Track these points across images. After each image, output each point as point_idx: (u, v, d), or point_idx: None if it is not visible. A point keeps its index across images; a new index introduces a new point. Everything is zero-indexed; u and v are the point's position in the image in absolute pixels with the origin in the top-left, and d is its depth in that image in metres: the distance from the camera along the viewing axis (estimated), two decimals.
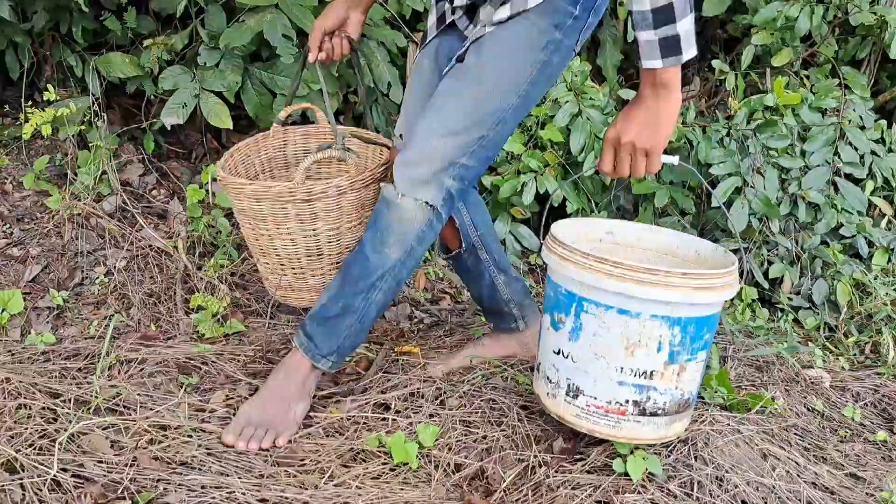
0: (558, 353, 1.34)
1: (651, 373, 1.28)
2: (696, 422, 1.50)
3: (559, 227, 1.42)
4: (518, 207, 2.33)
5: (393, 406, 1.57)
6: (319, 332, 1.50)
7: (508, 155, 2.36)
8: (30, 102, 2.29)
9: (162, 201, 2.42)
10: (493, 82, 1.37)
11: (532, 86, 1.38)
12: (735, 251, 2.15)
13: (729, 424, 1.51)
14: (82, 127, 2.31)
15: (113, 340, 1.70)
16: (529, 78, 1.37)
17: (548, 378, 1.37)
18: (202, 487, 1.27)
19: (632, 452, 1.36)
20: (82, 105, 2.31)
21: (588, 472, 1.38)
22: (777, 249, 2.24)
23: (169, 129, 2.31)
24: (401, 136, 1.58)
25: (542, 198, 2.33)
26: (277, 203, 1.53)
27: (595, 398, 1.31)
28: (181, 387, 1.57)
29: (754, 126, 2.14)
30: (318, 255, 1.62)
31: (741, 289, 2.18)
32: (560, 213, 2.35)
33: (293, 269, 1.64)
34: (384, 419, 1.53)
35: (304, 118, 2.39)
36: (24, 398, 1.44)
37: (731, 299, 2.16)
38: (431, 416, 1.54)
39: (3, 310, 1.75)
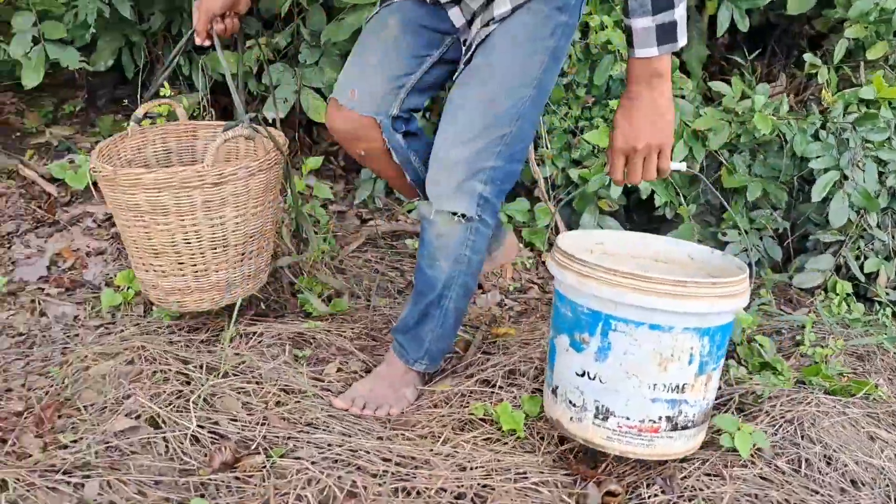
0: (583, 374, 1.28)
1: (683, 386, 1.25)
2: (801, 403, 1.51)
3: (561, 243, 1.36)
4: (606, 200, 2.37)
5: (495, 382, 1.63)
6: (406, 340, 1.57)
7: (595, 148, 2.40)
8: (145, 98, 2.43)
9: None
10: (506, 80, 1.35)
11: (545, 73, 1.37)
12: (831, 245, 2.15)
13: (834, 407, 1.52)
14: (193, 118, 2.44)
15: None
16: (542, 67, 1.36)
17: (570, 402, 1.30)
18: (328, 445, 1.35)
19: (739, 428, 1.38)
20: (191, 101, 2.45)
21: None
22: (873, 243, 2.21)
23: (270, 122, 2.43)
24: (351, 90, 1.46)
25: (627, 190, 2.36)
26: (183, 191, 1.46)
27: (627, 418, 1.26)
28: (296, 358, 1.66)
29: (853, 119, 2.13)
30: (224, 247, 1.57)
31: (835, 282, 2.17)
32: (648, 205, 2.38)
33: (194, 266, 1.56)
34: (488, 393, 1.59)
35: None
36: (159, 364, 1.55)
37: (826, 291, 2.16)
38: (533, 392, 1.58)
39: (128, 287, 1.86)
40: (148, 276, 1.61)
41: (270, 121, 2.39)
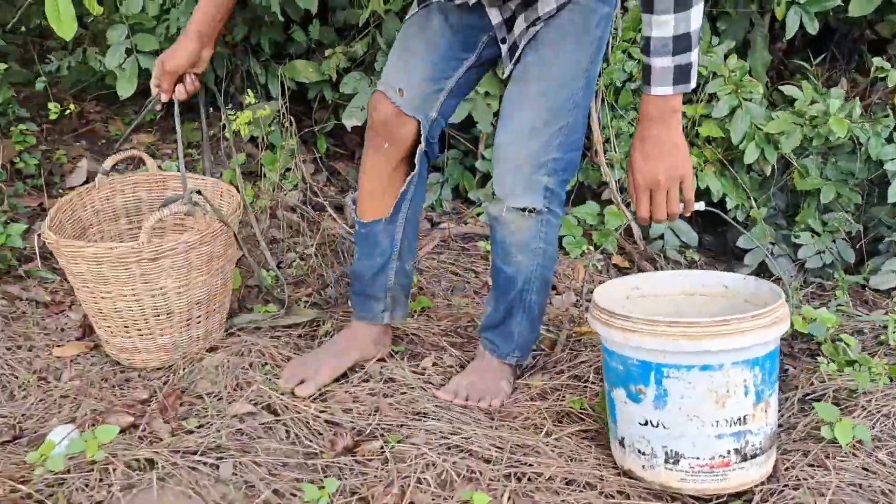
0: (645, 424, 1.29)
1: (744, 417, 1.26)
2: None
3: (599, 298, 1.37)
4: None
5: (586, 377, 1.68)
6: (495, 336, 1.63)
7: None
8: (229, 106, 2.53)
9: (332, 197, 2.62)
10: (559, 74, 1.41)
11: (592, 63, 1.43)
12: None
13: None
14: (272, 129, 2.54)
15: (325, 312, 1.89)
16: (590, 58, 1.42)
17: (639, 451, 1.32)
18: (440, 432, 1.41)
19: (839, 420, 1.42)
20: (272, 109, 2.54)
21: (794, 440, 1.45)
22: None
23: (349, 129, 2.51)
24: (400, 90, 1.50)
25: (698, 193, 2.40)
26: (121, 265, 1.51)
27: (697, 458, 1.27)
28: (391, 354, 1.73)
29: None
30: (168, 314, 1.60)
31: None
32: (719, 208, 2.41)
33: (139, 330, 1.60)
34: (581, 387, 1.64)
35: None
36: (266, 358, 1.63)
37: None
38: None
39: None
40: (101, 332, 1.68)
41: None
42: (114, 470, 1.24)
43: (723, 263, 2.47)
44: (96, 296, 1.60)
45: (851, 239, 2.32)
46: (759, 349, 1.26)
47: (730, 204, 2.36)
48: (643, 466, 1.32)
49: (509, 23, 1.46)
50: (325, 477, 1.29)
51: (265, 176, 2.47)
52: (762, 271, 2.32)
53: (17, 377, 1.64)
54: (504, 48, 1.48)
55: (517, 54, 1.44)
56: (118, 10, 2.30)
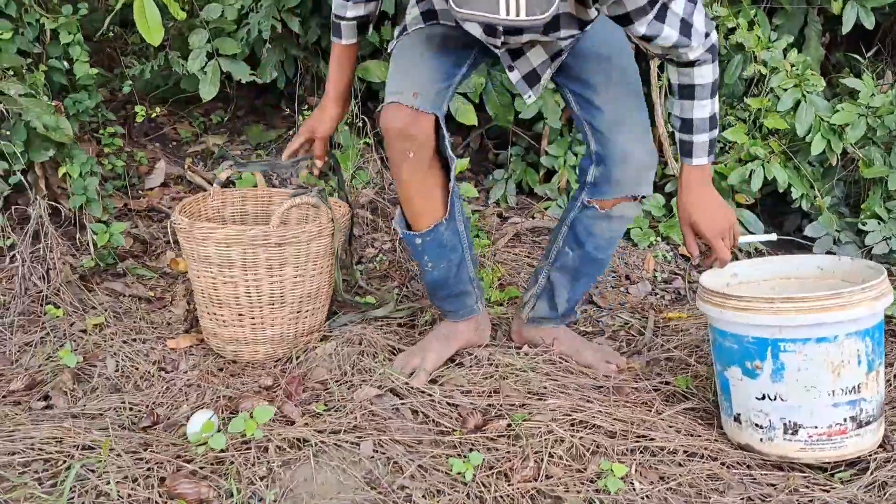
0: (763, 398, 1.36)
1: (858, 386, 1.33)
2: None
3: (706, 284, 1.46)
4: (743, 194, 2.47)
5: (681, 359, 1.75)
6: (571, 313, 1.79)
7: (727, 144, 2.52)
8: (305, 107, 2.61)
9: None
10: (621, 61, 1.56)
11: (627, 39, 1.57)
12: None
13: None
14: (343, 128, 2.62)
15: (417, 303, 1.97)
16: (623, 35, 1.55)
17: (756, 425, 1.38)
18: (561, 410, 1.49)
19: None
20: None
21: None
22: None
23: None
24: (414, 93, 1.49)
25: (764, 184, 2.47)
26: (250, 248, 1.61)
27: (815, 427, 1.34)
28: (493, 338, 1.81)
29: None
30: (281, 303, 1.69)
31: None
32: (783, 198, 2.48)
33: (252, 319, 1.70)
34: (680, 368, 1.71)
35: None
36: (378, 347, 1.71)
37: None
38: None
39: None
40: (210, 324, 1.75)
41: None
42: (268, 448, 1.32)
43: (786, 253, 2.53)
44: (218, 281, 1.69)
45: None
46: (869, 320, 1.34)
47: (794, 194, 2.43)
48: (761, 440, 1.39)
49: (515, 53, 1.53)
50: (463, 453, 1.36)
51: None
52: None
53: (137, 368, 1.72)
54: (515, 76, 1.54)
55: (558, 65, 1.53)
56: (199, 16, 2.38)
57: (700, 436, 1.45)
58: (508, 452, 1.37)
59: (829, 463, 1.36)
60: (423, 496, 1.25)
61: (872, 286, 1.33)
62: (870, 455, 1.38)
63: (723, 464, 1.37)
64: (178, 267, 2.22)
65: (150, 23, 1.66)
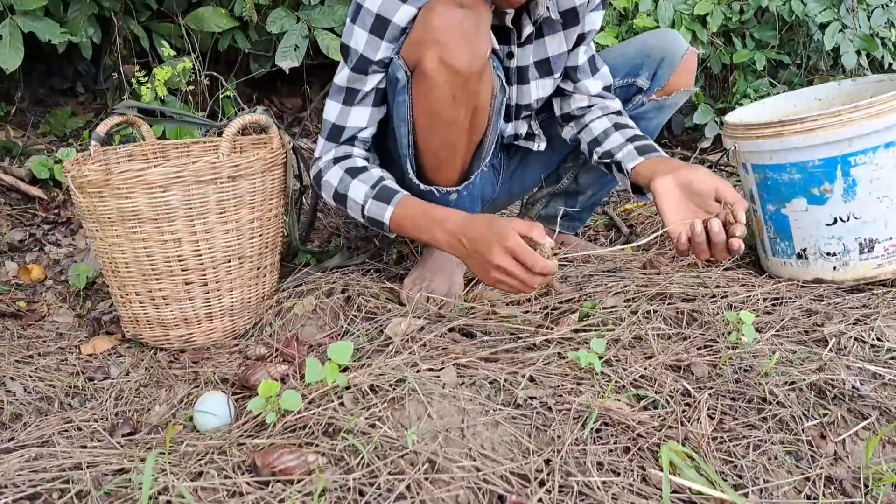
0: (834, 222, 1.31)
1: None
2: None
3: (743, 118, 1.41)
4: None
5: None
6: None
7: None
8: (139, 69, 2.15)
9: None
10: None
11: None
12: None
13: None
14: (191, 87, 2.20)
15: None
16: None
17: (828, 254, 1.33)
18: (622, 290, 1.31)
19: None
20: (185, 67, 2.20)
21: None
22: None
23: (287, 72, 2.25)
24: None
25: None
26: (195, 187, 1.25)
27: (891, 238, 1.31)
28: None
29: None
30: (240, 259, 1.34)
31: None
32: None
33: (205, 286, 1.32)
34: None
35: None
36: (369, 292, 1.41)
37: None
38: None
39: None
40: (141, 310, 1.33)
41: (287, 71, 2.23)
42: (345, 399, 0.98)
43: (680, 139, 2.58)
44: (153, 243, 1.27)
45: None
46: None
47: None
48: (835, 268, 1.33)
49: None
50: (563, 352, 1.13)
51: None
52: (718, 141, 2.47)
53: (53, 386, 1.25)
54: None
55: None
56: None
57: (764, 284, 1.35)
58: (608, 336, 1.17)
59: None
60: (558, 396, 1.00)
61: None
62: None
63: (813, 298, 1.29)
64: (30, 276, 1.70)
65: None
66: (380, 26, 1.21)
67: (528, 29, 1.30)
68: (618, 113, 1.42)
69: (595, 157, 1.40)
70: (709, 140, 2.44)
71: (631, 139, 1.34)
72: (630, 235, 1.72)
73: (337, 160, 1.31)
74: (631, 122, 1.40)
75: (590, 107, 1.42)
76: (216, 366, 1.28)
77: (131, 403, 1.19)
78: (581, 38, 1.36)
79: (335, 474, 0.83)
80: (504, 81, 1.29)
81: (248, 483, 0.83)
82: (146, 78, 2.05)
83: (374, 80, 1.27)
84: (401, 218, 1.23)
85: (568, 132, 1.46)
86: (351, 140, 1.31)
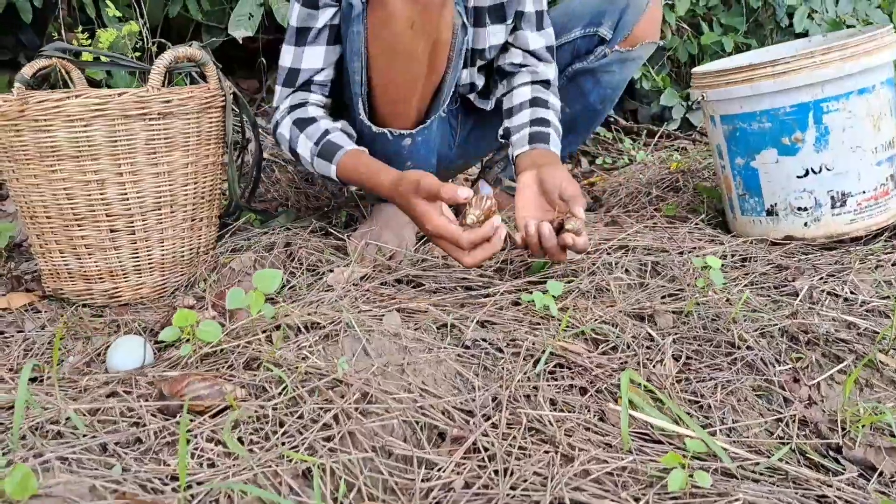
0: (805, 174, 1.24)
1: (892, 140, 1.27)
2: None
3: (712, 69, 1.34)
4: None
5: (642, 198, 1.59)
6: None
7: None
8: (82, 31, 2.03)
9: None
10: None
11: None
12: None
13: None
14: (137, 54, 2.08)
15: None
16: None
17: (799, 209, 1.27)
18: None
19: None
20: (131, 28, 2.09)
21: None
22: None
23: (240, 41, 2.15)
24: None
25: None
26: (121, 122, 1.14)
27: (863, 192, 1.25)
28: None
29: None
30: (171, 206, 1.23)
31: None
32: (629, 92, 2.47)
33: (132, 235, 1.21)
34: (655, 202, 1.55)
35: None
36: (313, 249, 1.31)
37: None
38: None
39: None
40: (61, 260, 1.22)
41: (240, 40, 2.13)
42: (272, 335, 0.88)
43: (646, 125, 2.53)
44: (74, 184, 1.15)
45: None
46: (891, 68, 1.24)
47: (636, 76, 2.43)
48: (805, 223, 1.26)
49: None
50: (516, 297, 1.04)
51: None
52: (685, 124, 2.42)
53: None
54: None
55: None
56: None
57: (732, 242, 1.28)
58: (567, 286, 1.08)
59: (874, 231, 1.26)
60: (510, 340, 0.91)
61: (890, 30, 1.24)
62: None
63: (784, 255, 1.22)
64: None
65: None
66: None
67: None
68: (545, 83, 1.35)
69: (500, 131, 1.35)
70: (676, 122, 2.39)
71: (533, 122, 1.28)
72: (593, 204, 1.65)
73: (292, 109, 1.24)
74: (550, 99, 1.32)
75: (523, 66, 1.35)
76: (140, 318, 1.17)
77: (42, 356, 1.07)
78: None
79: (253, 405, 0.73)
80: (465, 20, 1.21)
81: (151, 414, 0.72)
82: (89, 41, 1.93)
83: (326, 16, 1.19)
84: (344, 171, 1.17)
85: (499, 91, 1.40)
86: (307, 85, 1.24)
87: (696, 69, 1.36)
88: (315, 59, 1.22)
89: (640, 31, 1.39)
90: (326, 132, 1.20)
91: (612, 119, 2.49)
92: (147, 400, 0.75)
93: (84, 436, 0.69)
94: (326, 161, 1.19)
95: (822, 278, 1.12)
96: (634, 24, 1.38)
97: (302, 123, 1.22)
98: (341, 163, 1.17)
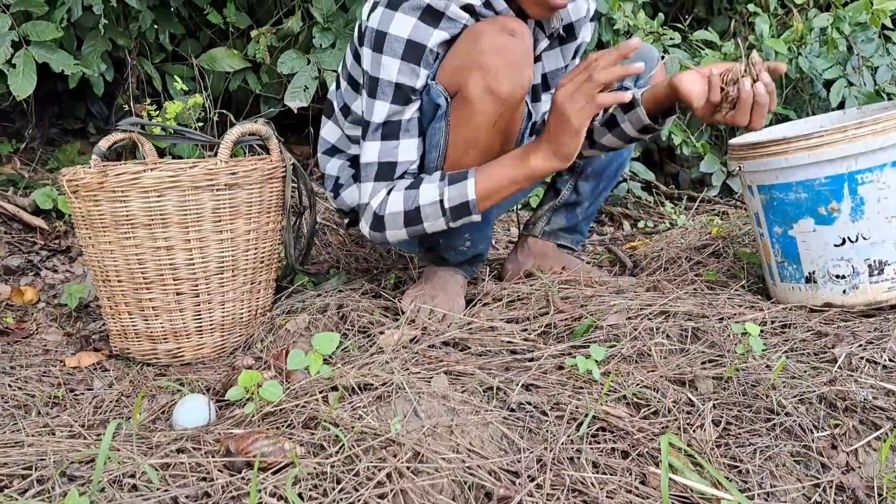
0: (842, 243, 1.26)
1: None
2: None
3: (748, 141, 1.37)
4: None
5: (683, 264, 1.63)
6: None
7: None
8: (150, 102, 2.18)
9: None
10: None
11: None
12: None
13: None
14: (200, 124, 2.22)
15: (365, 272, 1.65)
16: None
17: (837, 276, 1.28)
18: (624, 308, 1.27)
19: None
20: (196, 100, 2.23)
21: None
22: None
23: (296, 112, 2.27)
24: None
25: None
26: (191, 193, 1.23)
27: None
28: None
29: None
30: (233, 271, 1.31)
31: None
32: (671, 150, 2.52)
33: (196, 298, 1.29)
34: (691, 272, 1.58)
35: None
36: (364, 311, 1.38)
37: None
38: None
39: None
40: (130, 323, 1.30)
41: (295, 111, 2.25)
42: (328, 396, 0.94)
43: (687, 191, 2.57)
44: (145, 250, 1.25)
45: None
46: None
47: (675, 140, 2.48)
48: (844, 291, 1.28)
49: None
50: (559, 361, 1.08)
51: None
52: (725, 190, 2.45)
53: (33, 396, 1.20)
54: None
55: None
56: None
57: (772, 308, 1.31)
58: (609, 350, 1.12)
59: None
60: (554, 403, 0.95)
61: None
62: None
63: (823, 321, 1.24)
64: (22, 297, 1.68)
65: None
66: (413, 52, 1.17)
67: (544, 43, 1.30)
68: None
69: (597, 122, 1.34)
70: (716, 189, 2.43)
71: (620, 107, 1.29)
72: (634, 269, 1.69)
73: (390, 191, 1.23)
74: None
75: None
76: (202, 377, 1.24)
77: (111, 412, 1.14)
78: (576, 52, 1.36)
79: (312, 462, 0.78)
80: (530, 107, 1.28)
81: (218, 469, 0.78)
82: (157, 112, 2.07)
83: (412, 109, 1.22)
84: (484, 184, 1.17)
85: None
86: (401, 177, 1.25)
87: (732, 140, 1.41)
88: (410, 151, 1.23)
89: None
90: (444, 173, 1.21)
91: (653, 184, 2.54)
92: (214, 456, 0.81)
93: (157, 489, 0.75)
94: (461, 181, 1.18)
95: (860, 345, 1.14)
96: (649, 79, 1.42)
97: (413, 185, 1.22)
98: (476, 176, 1.17)
